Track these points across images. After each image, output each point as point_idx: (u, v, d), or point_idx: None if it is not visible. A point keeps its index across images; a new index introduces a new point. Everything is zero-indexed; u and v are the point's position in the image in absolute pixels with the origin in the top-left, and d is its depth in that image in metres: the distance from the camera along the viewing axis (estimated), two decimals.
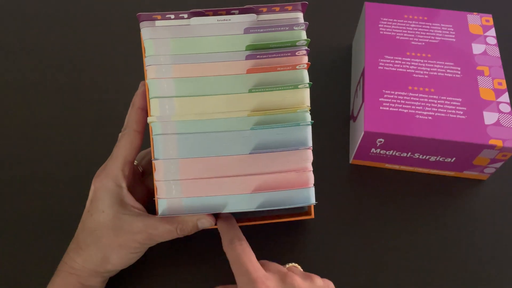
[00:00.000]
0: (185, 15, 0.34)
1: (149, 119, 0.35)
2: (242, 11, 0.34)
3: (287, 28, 0.34)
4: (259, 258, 0.43)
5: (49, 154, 0.48)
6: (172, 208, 0.35)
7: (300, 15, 0.35)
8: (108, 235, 0.36)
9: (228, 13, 0.34)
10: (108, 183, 0.36)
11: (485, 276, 0.42)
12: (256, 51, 0.33)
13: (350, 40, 0.59)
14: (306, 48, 0.34)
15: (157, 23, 0.34)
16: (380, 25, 0.51)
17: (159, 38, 0.34)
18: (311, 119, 0.35)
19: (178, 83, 0.34)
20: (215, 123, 0.34)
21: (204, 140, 0.34)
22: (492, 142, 0.42)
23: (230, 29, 0.34)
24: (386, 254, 0.43)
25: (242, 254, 0.34)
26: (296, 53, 0.34)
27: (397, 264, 0.40)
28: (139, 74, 0.54)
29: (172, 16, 0.34)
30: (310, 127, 0.35)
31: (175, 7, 0.61)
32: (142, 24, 0.34)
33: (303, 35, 0.34)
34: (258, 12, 0.34)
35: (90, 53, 0.57)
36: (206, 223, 0.36)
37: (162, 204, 0.35)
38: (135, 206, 0.37)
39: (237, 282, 0.33)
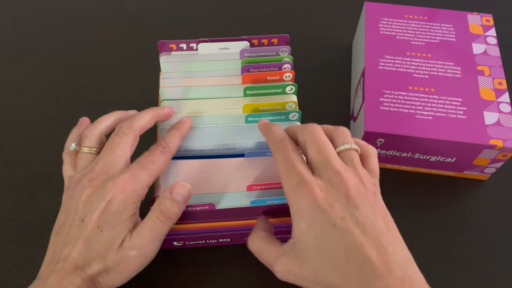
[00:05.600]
0: (194, 45, 0.42)
1: None
2: (238, 40, 0.43)
3: (274, 54, 0.42)
4: (257, 260, 0.43)
5: (49, 154, 0.48)
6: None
7: (285, 47, 0.43)
8: (112, 256, 0.32)
9: (227, 41, 0.43)
10: (136, 195, 0.33)
11: (485, 276, 0.42)
12: (250, 64, 0.41)
13: (350, 40, 0.59)
14: (290, 62, 0.41)
15: (173, 53, 0.43)
16: (380, 25, 0.51)
17: (172, 62, 0.42)
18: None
19: (184, 90, 0.41)
20: (214, 118, 0.39)
21: (204, 132, 0.39)
22: (492, 142, 0.42)
23: (229, 56, 0.43)
24: None
25: (291, 154, 0.32)
26: (283, 68, 0.41)
27: None
28: (140, 74, 0.54)
29: (184, 47, 0.42)
30: (299, 122, 0.40)
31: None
32: (161, 54, 0.43)
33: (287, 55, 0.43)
34: (251, 44, 0.43)
35: (91, 53, 0.57)
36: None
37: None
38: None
39: (284, 184, 0.31)
